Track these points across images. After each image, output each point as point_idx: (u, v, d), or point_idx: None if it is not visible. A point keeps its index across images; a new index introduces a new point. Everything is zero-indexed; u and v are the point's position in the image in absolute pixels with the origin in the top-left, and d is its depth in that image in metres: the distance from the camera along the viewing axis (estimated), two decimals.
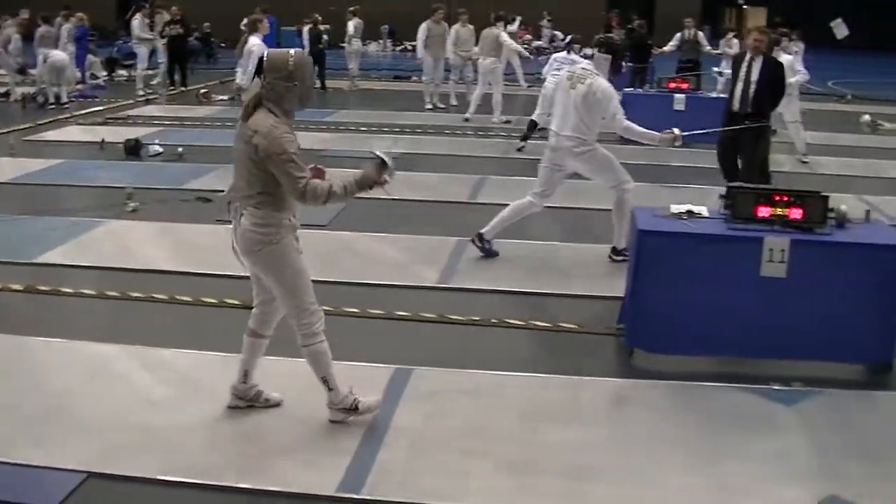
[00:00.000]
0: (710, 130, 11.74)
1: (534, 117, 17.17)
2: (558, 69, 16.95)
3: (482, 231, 10.30)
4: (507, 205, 10.39)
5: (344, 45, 26.61)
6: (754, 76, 12.18)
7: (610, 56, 9.83)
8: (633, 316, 7.82)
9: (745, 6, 68.14)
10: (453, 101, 23.08)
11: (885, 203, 13.36)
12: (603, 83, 9.65)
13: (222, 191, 12.93)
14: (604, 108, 9.61)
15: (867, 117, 10.06)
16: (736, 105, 12.36)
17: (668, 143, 9.85)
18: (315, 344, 6.19)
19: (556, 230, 11.66)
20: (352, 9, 26.62)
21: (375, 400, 6.52)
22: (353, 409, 6.37)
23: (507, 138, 18.87)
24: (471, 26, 22.52)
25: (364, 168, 6.07)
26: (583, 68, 9.95)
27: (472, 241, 10.34)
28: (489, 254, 10.33)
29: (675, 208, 7.97)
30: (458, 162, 16.27)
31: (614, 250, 10.34)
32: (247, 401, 6.53)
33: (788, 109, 15.77)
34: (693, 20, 25.97)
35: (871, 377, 7.64)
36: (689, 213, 7.89)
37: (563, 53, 17.60)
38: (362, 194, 6.12)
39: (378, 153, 6.03)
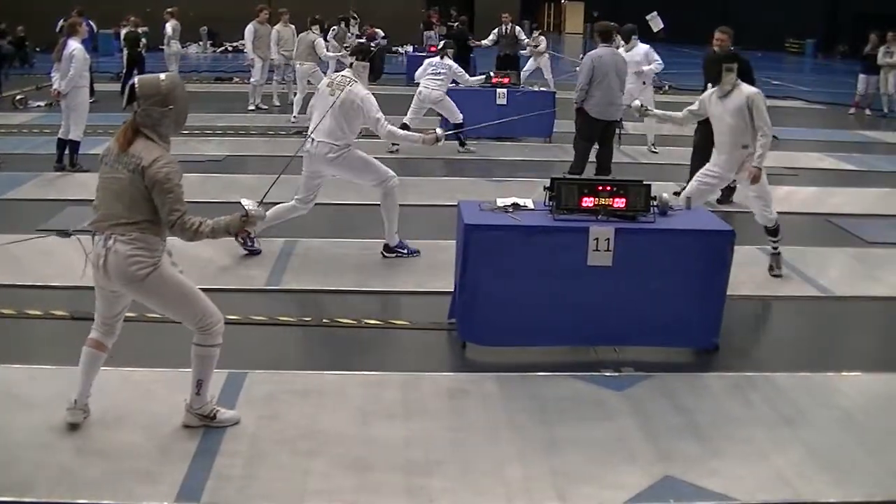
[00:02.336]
0: (482, 125, 12.19)
1: (405, 121, 17.04)
2: (435, 73, 16.97)
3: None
4: (337, 204, 10.35)
5: (163, 47, 26.07)
6: None
7: (368, 64, 9.99)
8: (463, 310, 7.86)
9: (563, 1, 69.32)
10: (276, 102, 22.86)
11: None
12: (362, 91, 9.76)
13: (44, 199, 12.65)
14: (365, 114, 9.71)
15: (637, 103, 10.46)
16: None
17: (430, 142, 10.09)
18: (210, 346, 6.15)
19: (381, 227, 11.62)
20: (169, 10, 26.11)
21: (234, 414, 6.45)
22: (211, 417, 6.31)
23: None
24: (292, 26, 22.35)
25: (231, 215, 6.01)
26: (342, 76, 10.02)
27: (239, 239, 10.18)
28: (252, 252, 10.31)
29: (500, 201, 8.06)
30: (282, 163, 15.99)
31: (386, 247, 10.43)
32: (86, 413, 6.32)
33: (644, 98, 16.16)
34: (510, 15, 26.32)
35: (698, 360, 7.86)
36: (515, 205, 7.97)
37: (437, 59, 17.49)
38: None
39: (244, 204, 6.03)
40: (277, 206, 10.18)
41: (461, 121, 16.92)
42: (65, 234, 11.07)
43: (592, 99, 12.93)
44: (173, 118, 5.98)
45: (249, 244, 10.25)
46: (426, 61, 17.85)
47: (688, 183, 13.10)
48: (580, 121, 13.28)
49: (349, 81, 9.83)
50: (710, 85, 10.33)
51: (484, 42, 25.34)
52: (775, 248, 10.07)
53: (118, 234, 5.84)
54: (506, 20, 25.63)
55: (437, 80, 17.04)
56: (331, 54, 22.48)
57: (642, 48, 16.72)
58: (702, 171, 10.11)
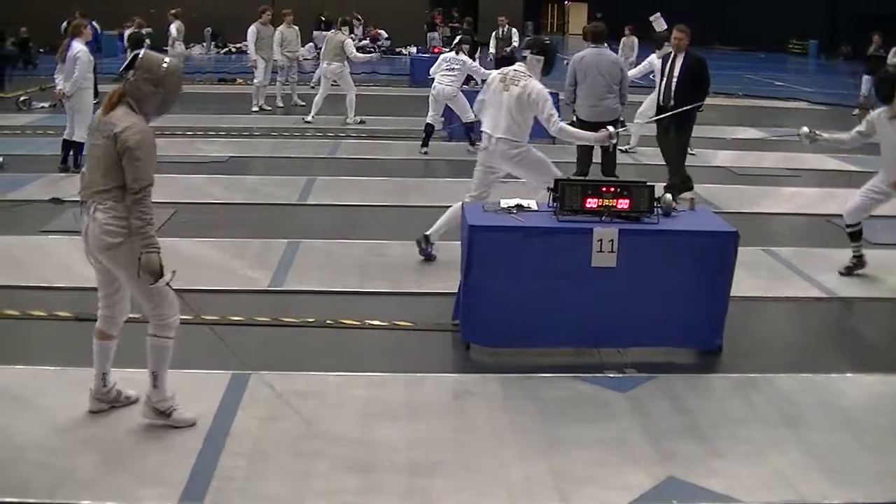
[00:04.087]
0: (648, 120, 12.23)
1: (429, 121, 17.21)
2: (449, 69, 16.89)
3: (427, 233, 10.19)
4: (340, 205, 10.33)
5: (167, 48, 26.08)
6: (676, 72, 12.86)
7: (542, 58, 9.68)
8: (467, 311, 7.86)
9: (566, 2, 69.42)
10: (279, 103, 22.88)
11: (708, 191, 13.78)
12: (537, 85, 9.51)
13: (47, 200, 12.65)
14: (539, 110, 9.45)
15: (805, 129, 10.31)
16: (661, 99, 13.24)
17: (603, 141, 9.98)
18: (163, 338, 6.18)
19: (385, 228, 11.65)
20: (173, 11, 26.14)
21: (190, 418, 6.41)
22: (167, 414, 6.31)
23: (335, 138, 18.83)
24: (296, 27, 22.37)
25: (157, 256, 5.99)
26: (515, 70, 9.73)
27: (417, 242, 10.24)
28: (428, 256, 10.24)
29: (504, 202, 8.06)
30: (286, 164, 16.12)
31: None
32: (108, 402, 6.43)
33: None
34: (505, 18, 26.76)
35: (701, 361, 7.87)
36: (519, 206, 7.97)
37: (452, 54, 17.29)
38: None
39: (166, 274, 6.03)
40: (451, 207, 10.07)
41: (473, 120, 16.93)
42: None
43: (579, 100, 13.02)
44: (159, 101, 6.07)
45: (430, 249, 10.26)
46: (441, 56, 17.79)
47: (669, 181, 13.13)
48: (575, 123, 13.36)
49: (523, 76, 9.61)
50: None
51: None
52: None
53: (97, 203, 5.93)
54: (502, 23, 26.10)
55: (451, 75, 16.92)
56: (361, 55, 22.28)
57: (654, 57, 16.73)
58: (869, 185, 10.23)
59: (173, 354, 6.28)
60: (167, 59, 6.17)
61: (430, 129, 17.18)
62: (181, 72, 6.27)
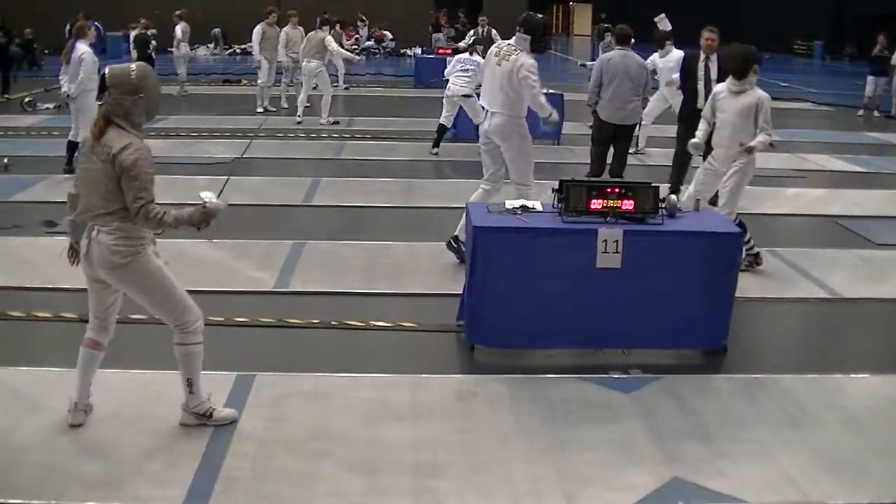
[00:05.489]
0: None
1: (442, 121, 17.22)
2: (463, 69, 16.87)
3: (455, 234, 10.14)
4: (345, 206, 10.32)
5: (172, 49, 26.09)
6: (713, 74, 12.64)
7: (529, 37, 9.70)
8: (471, 312, 7.86)
9: (571, 2, 69.50)
10: (284, 104, 22.89)
11: None
12: (528, 59, 9.59)
13: (53, 202, 12.65)
14: (526, 84, 9.57)
15: (694, 140, 10.22)
16: (700, 102, 12.45)
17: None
18: (191, 345, 6.21)
19: (390, 229, 11.66)
20: (178, 12, 26.15)
21: (230, 412, 6.49)
22: (208, 416, 6.35)
23: (340, 139, 18.83)
24: (301, 28, 22.39)
25: (193, 207, 6.07)
26: (508, 44, 9.82)
27: (448, 244, 10.22)
28: (463, 257, 10.18)
29: (509, 203, 8.06)
30: (291, 165, 16.13)
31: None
32: (88, 413, 6.39)
33: (675, 102, 15.95)
34: (486, 19, 27.19)
35: (706, 361, 7.86)
36: (524, 207, 7.97)
37: (466, 55, 17.29)
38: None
39: (202, 196, 6.10)
40: (470, 200, 9.94)
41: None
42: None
43: (602, 101, 12.96)
44: (144, 106, 6.01)
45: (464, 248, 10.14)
46: (455, 58, 17.79)
47: (670, 184, 13.08)
48: (593, 123, 13.35)
49: (514, 50, 9.67)
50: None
51: (460, 45, 25.71)
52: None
53: (100, 225, 5.92)
54: (483, 23, 26.37)
55: (466, 76, 16.80)
56: (345, 53, 22.37)
57: (676, 54, 16.60)
58: (704, 164, 10.08)
59: (175, 356, 6.29)
60: (133, 66, 6.12)
61: (442, 129, 17.18)
62: (151, 70, 6.23)
